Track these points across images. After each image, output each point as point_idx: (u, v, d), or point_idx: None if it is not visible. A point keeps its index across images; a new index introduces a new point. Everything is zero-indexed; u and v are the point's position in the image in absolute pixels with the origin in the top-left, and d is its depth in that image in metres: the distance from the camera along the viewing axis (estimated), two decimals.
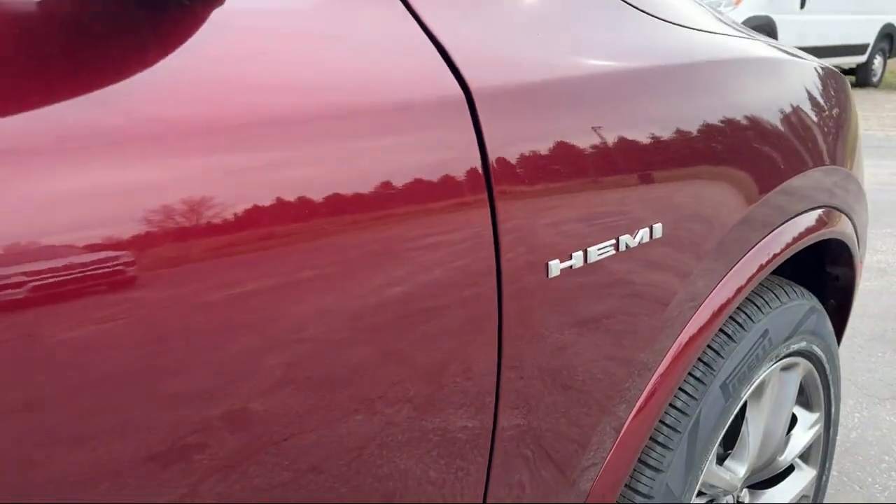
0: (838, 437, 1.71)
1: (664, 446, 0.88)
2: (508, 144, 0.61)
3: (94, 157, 0.41)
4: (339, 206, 0.50)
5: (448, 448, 0.62)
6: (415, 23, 0.59)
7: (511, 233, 0.61)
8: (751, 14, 8.39)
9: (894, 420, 2.06)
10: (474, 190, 0.58)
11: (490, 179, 0.59)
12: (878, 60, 10.71)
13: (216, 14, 0.49)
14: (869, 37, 10.24)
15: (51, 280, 0.39)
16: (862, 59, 10.34)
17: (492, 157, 0.60)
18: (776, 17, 8.68)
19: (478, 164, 0.59)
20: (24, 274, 0.38)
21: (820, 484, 1.30)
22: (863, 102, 9.00)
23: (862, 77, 10.59)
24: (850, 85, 1.31)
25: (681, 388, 0.90)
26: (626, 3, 0.83)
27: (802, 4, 8.99)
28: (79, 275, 0.39)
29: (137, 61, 0.45)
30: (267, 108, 0.49)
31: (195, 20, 0.48)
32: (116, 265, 0.41)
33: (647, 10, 0.85)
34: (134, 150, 0.42)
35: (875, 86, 10.70)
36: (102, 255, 0.40)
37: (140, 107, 0.44)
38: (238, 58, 0.50)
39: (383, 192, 0.52)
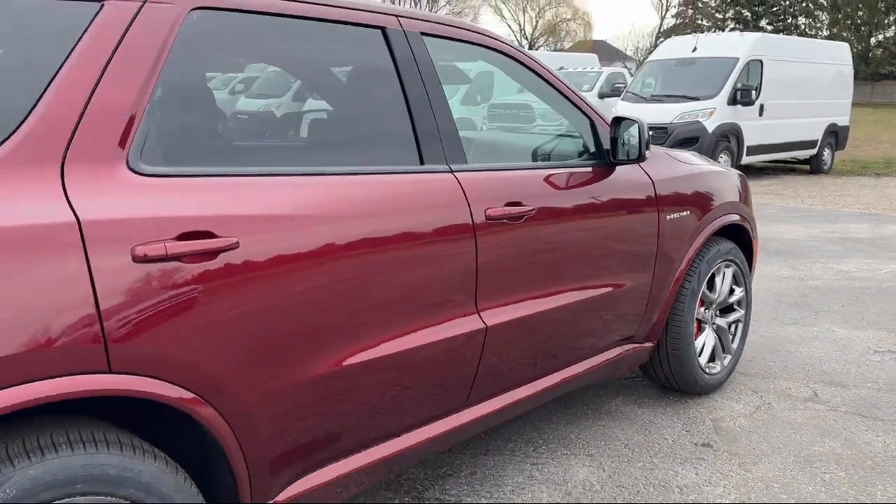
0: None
1: (684, 295, 3.08)
2: None
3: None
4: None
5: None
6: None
7: (667, 224, 2.84)
8: (721, 122, 10.97)
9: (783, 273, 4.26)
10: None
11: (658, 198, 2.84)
12: (826, 153, 13.30)
13: None
14: (817, 134, 12.86)
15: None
16: (813, 151, 12.93)
17: None
18: (741, 123, 11.26)
19: None
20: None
21: (748, 314, 3.50)
22: (812, 186, 11.51)
23: (815, 166, 13.16)
24: (746, 180, 3.61)
25: (687, 273, 3.10)
26: (669, 155, 3.11)
27: (761, 112, 11.59)
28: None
29: None
30: None
31: None
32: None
33: (674, 157, 3.13)
34: None
35: (826, 172, 13.24)
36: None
37: None
38: None
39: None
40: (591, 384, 3.12)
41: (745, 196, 3.46)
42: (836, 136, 13.41)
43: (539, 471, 2.73)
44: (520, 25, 65.78)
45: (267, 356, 1.71)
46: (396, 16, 2.19)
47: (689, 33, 56.21)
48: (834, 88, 13.09)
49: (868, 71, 43.34)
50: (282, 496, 1.85)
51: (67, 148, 1.47)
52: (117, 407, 1.59)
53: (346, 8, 2.06)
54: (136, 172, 1.55)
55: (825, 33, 51.67)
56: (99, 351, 1.43)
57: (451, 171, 2.18)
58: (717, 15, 57.39)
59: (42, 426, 1.43)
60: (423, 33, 2.23)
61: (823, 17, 53.74)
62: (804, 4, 53.39)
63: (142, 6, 1.63)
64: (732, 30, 54.84)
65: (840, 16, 51.15)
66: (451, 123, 2.23)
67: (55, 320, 1.37)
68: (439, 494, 2.56)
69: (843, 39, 45.18)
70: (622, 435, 3.02)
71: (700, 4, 58.16)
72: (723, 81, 11.09)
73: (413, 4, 60.23)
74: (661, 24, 62.51)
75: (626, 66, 25.31)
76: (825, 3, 52.46)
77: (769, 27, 54.06)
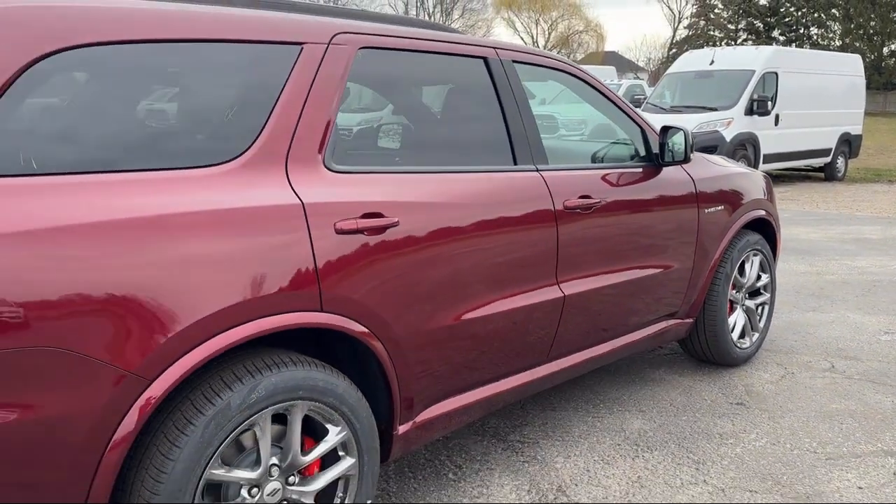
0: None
1: (719, 278, 3.62)
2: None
3: None
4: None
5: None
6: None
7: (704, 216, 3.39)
8: (739, 131, 11.49)
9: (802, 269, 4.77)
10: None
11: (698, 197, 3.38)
12: (840, 160, 13.78)
13: None
14: (831, 143, 13.35)
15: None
16: (827, 159, 13.41)
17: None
18: (757, 132, 11.78)
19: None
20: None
21: (772, 298, 4.03)
22: (826, 192, 11.99)
23: (829, 173, 13.64)
24: (770, 181, 4.15)
25: (722, 259, 3.63)
26: (705, 159, 3.65)
27: (776, 122, 12.10)
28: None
29: None
30: None
31: None
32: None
33: (711, 160, 3.67)
34: None
35: (840, 180, 13.71)
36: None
37: None
38: None
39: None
40: (640, 352, 3.66)
41: (769, 195, 3.99)
42: (849, 144, 13.89)
43: (600, 422, 3.26)
44: (532, 37, 66.61)
45: (414, 306, 2.26)
46: (494, 48, 2.75)
47: (702, 44, 56.82)
48: (847, 98, 13.58)
49: (881, 81, 43.69)
50: (419, 418, 2.40)
51: (288, 153, 2.04)
52: (304, 341, 2.15)
53: (459, 43, 2.63)
54: (329, 170, 2.12)
55: (837, 43, 52.06)
56: (316, 295, 1.99)
57: (537, 170, 2.73)
58: (729, 26, 57.87)
59: (273, 351, 2.00)
60: (514, 60, 2.79)
61: (836, 28, 54.08)
62: (816, 15, 53.79)
63: (328, 47, 2.20)
64: (745, 41, 55.41)
65: (852, 26, 51.51)
66: (535, 131, 2.79)
67: (290, 272, 1.94)
68: (519, 437, 3.10)
69: (856, 49, 45.61)
70: (667, 396, 3.55)
71: (712, 16, 58.74)
72: (740, 93, 11.62)
73: (430, 17, 61.15)
74: (673, 36, 63.06)
75: (637, 77, 25.78)
76: (837, 13, 52.82)
77: (781, 38, 54.52)
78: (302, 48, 2.15)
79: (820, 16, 53.84)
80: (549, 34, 68.06)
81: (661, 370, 3.90)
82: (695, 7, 60.09)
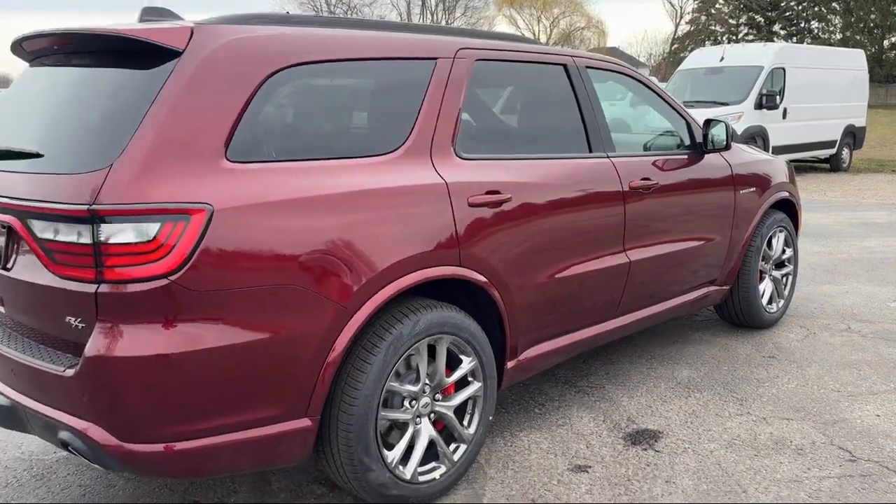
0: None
1: (752, 251, 4.19)
2: None
3: None
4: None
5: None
6: None
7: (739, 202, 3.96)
8: (749, 124, 12.05)
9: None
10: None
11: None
12: (845, 152, 14.34)
13: None
14: (836, 135, 13.92)
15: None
16: (832, 151, 13.98)
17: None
18: (766, 126, 12.34)
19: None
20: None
21: (795, 269, 4.61)
22: (833, 181, 12.56)
23: (834, 164, 14.21)
24: (792, 167, 4.72)
25: (753, 234, 4.20)
26: (740, 148, 4.22)
27: (784, 116, 12.66)
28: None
29: None
30: None
31: None
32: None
33: (743, 149, 4.24)
34: None
35: (845, 170, 14.28)
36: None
37: None
38: None
39: None
40: (684, 315, 4.23)
41: (792, 179, 4.56)
42: (853, 136, 14.46)
43: (654, 371, 3.84)
44: (534, 34, 67.16)
45: (521, 264, 2.84)
46: (572, 56, 3.33)
47: (703, 39, 57.21)
48: (851, 92, 14.15)
49: (882, 73, 44.15)
50: (521, 357, 2.98)
51: (431, 144, 2.62)
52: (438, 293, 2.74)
53: (546, 53, 3.22)
54: (458, 157, 2.70)
55: (838, 37, 52.52)
56: (456, 253, 2.57)
57: (608, 157, 3.31)
58: (730, 21, 58.29)
59: (424, 298, 2.57)
60: (587, 66, 3.37)
61: (836, 22, 54.56)
62: (817, 9, 54.24)
63: (454, 60, 2.78)
64: (746, 35, 55.91)
65: (853, 19, 51.99)
66: (605, 124, 3.37)
67: (442, 234, 2.52)
68: (587, 384, 3.68)
69: (857, 42, 46.08)
70: (708, 352, 4.13)
71: (713, 11, 59.23)
72: (749, 88, 12.19)
73: (431, 17, 61.64)
74: (675, 31, 63.55)
75: None
76: (838, 7, 53.29)
77: (782, 32, 54.99)
78: (436, 62, 2.73)
79: (820, 9, 54.26)
80: (551, 31, 68.71)
81: (700, 332, 4.48)
82: (696, 2, 60.61)
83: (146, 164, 1.98)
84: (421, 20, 61.63)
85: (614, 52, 63.07)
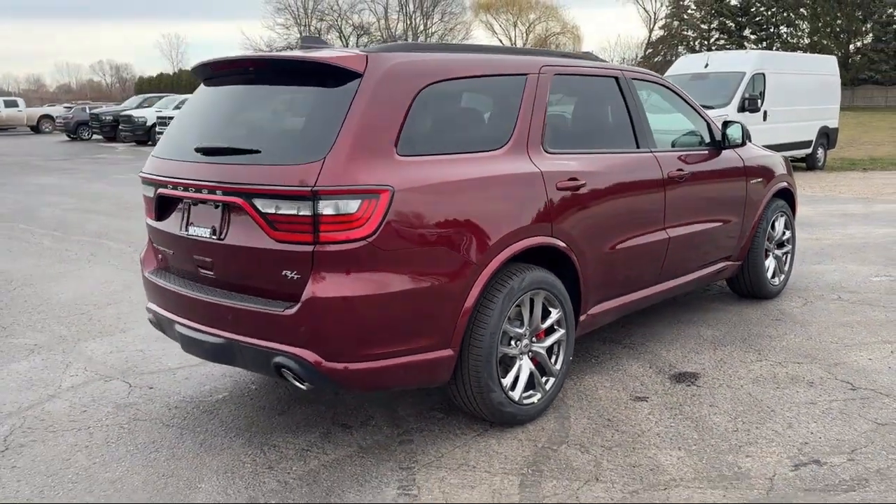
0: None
1: (759, 232, 4.97)
2: None
3: None
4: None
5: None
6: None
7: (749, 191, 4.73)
8: None
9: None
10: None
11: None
12: (820, 151, 15.32)
13: None
14: (811, 135, 14.88)
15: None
16: (808, 151, 14.95)
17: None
18: (749, 128, 13.18)
19: None
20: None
21: (793, 249, 5.40)
22: (810, 179, 13.50)
23: (810, 163, 15.18)
24: (791, 164, 5.51)
25: (760, 218, 4.98)
26: (749, 145, 5.00)
27: (765, 118, 13.57)
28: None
29: None
30: None
31: None
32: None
33: (752, 146, 5.02)
34: None
35: (821, 168, 15.26)
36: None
37: None
38: None
39: None
40: (706, 285, 5.01)
41: (789, 171, 5.36)
42: (827, 137, 15.45)
43: (682, 332, 4.60)
44: (511, 40, 68.29)
45: (591, 236, 3.56)
46: (622, 70, 4.08)
47: (676, 44, 58.56)
48: (824, 95, 15.14)
49: (847, 77, 45.65)
50: (590, 312, 3.71)
51: (527, 141, 3.33)
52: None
53: (603, 68, 3.98)
54: (546, 151, 3.42)
55: (806, 41, 54.32)
56: (549, 226, 3.29)
57: (651, 152, 4.06)
58: (702, 26, 59.89)
59: (524, 263, 3.29)
60: (633, 79, 4.12)
61: (804, 27, 56.38)
62: (785, 14, 55.97)
63: (539, 75, 3.50)
64: (717, 40, 57.50)
65: (820, 24, 53.80)
66: (648, 126, 4.11)
67: (541, 211, 3.24)
68: (629, 341, 4.43)
69: (824, 47, 47.59)
70: (725, 317, 4.89)
71: (685, 17, 60.80)
72: (733, 92, 13.07)
73: (411, 21, 62.41)
74: (649, 36, 65.10)
75: None
76: (805, 12, 55.04)
77: (753, 36, 56.62)
78: (527, 77, 3.45)
79: (789, 15, 55.98)
80: (527, 36, 69.90)
81: (716, 303, 5.25)
82: (669, 8, 62.14)
83: (350, 158, 2.67)
84: (399, 24, 62.65)
85: (588, 57, 64.32)
